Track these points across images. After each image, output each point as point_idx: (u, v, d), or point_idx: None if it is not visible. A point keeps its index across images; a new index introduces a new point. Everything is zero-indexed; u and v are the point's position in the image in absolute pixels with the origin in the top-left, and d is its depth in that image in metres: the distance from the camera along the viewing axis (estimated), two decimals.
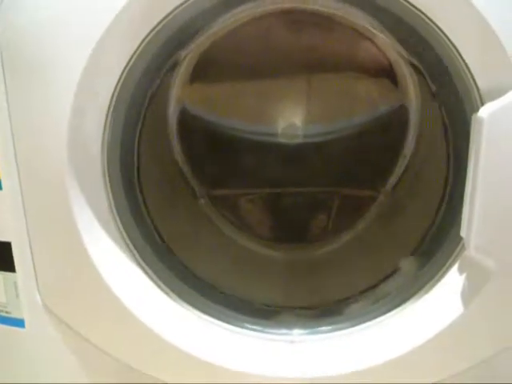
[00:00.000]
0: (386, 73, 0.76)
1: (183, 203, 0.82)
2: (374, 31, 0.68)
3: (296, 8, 0.69)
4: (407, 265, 0.64)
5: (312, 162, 0.83)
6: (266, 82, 0.78)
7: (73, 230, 0.53)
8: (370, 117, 0.81)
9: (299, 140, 0.82)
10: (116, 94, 0.52)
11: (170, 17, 0.50)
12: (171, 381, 0.58)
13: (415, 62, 0.62)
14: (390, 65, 0.75)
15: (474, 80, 0.48)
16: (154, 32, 0.50)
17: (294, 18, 0.72)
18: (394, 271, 0.65)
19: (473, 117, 0.49)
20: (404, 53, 0.67)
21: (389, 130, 0.80)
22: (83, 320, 0.58)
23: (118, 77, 0.51)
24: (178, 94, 0.77)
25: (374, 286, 0.65)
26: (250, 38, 0.73)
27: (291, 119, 0.81)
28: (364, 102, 0.81)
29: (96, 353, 0.58)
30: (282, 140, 0.82)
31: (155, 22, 0.49)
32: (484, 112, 0.46)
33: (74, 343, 0.59)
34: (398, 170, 0.80)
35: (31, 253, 0.56)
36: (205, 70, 0.76)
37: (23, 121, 0.51)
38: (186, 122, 0.80)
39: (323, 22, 0.71)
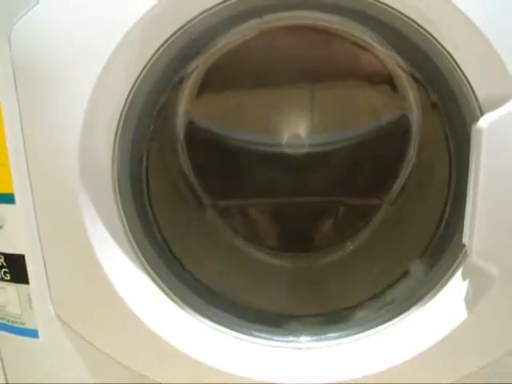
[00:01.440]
0: (387, 83, 0.77)
1: (192, 214, 0.82)
2: (374, 44, 0.68)
3: (300, 24, 0.70)
4: (415, 270, 0.65)
5: (316, 172, 0.83)
6: (271, 94, 0.79)
7: (84, 242, 0.54)
8: (373, 126, 0.82)
9: (304, 150, 0.82)
10: (125, 109, 0.53)
11: (178, 34, 0.51)
12: None
13: (415, 73, 0.64)
14: (391, 75, 0.76)
15: (473, 91, 0.49)
16: (161, 49, 0.51)
17: (298, 33, 0.73)
18: (400, 278, 0.66)
19: (473, 127, 0.49)
20: (404, 64, 0.69)
21: (391, 139, 0.80)
22: (96, 330, 0.59)
23: (126, 94, 0.52)
24: (185, 107, 0.78)
25: (380, 293, 0.65)
26: (254, 52, 0.74)
27: (296, 130, 0.82)
28: (366, 112, 0.82)
29: (108, 362, 0.59)
30: (286, 150, 0.82)
31: (163, 40, 0.50)
32: (483, 122, 0.47)
33: (86, 353, 0.60)
34: (402, 178, 0.81)
35: (44, 265, 0.57)
36: (211, 84, 0.76)
37: (35, 137, 0.52)
38: (193, 133, 0.81)
39: (326, 36, 0.72)
